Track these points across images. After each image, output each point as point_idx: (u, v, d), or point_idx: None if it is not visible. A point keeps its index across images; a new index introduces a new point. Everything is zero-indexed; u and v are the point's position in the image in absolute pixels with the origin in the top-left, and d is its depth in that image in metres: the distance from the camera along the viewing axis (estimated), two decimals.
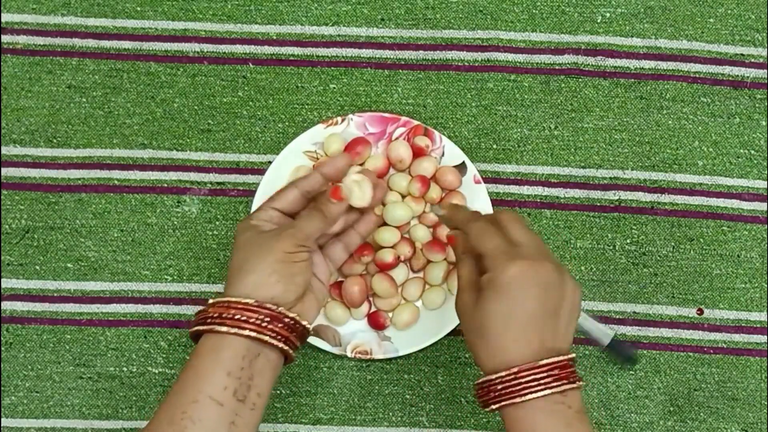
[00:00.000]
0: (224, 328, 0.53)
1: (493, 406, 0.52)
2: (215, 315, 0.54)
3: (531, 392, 0.51)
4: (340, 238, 0.64)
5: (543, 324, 0.52)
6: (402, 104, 0.76)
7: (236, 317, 0.53)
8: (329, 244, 0.64)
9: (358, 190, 0.60)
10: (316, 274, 0.61)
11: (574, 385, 0.52)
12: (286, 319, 0.55)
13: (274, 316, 0.54)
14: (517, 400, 0.51)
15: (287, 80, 0.76)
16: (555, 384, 0.51)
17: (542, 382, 0.51)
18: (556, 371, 0.51)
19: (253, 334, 0.53)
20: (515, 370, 0.51)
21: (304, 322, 0.56)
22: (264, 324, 0.53)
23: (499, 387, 0.52)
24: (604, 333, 0.68)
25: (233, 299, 0.54)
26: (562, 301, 0.53)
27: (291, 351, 0.55)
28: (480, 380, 0.53)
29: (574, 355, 0.53)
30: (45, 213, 0.74)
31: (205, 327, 0.54)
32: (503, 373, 0.51)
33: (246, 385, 0.53)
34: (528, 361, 0.51)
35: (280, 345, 0.54)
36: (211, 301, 0.55)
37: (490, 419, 0.72)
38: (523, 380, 0.51)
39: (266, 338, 0.53)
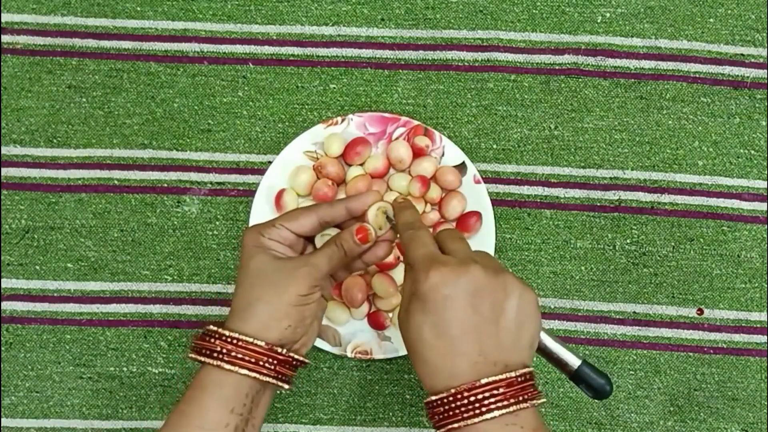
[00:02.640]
0: (233, 368, 0.52)
1: (441, 430, 0.47)
2: (222, 350, 0.52)
3: (472, 416, 0.46)
4: None
5: (480, 334, 0.47)
6: (402, 104, 0.76)
7: (245, 358, 0.52)
8: None
9: (383, 222, 0.57)
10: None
11: (525, 405, 0.46)
12: (294, 362, 0.54)
13: (282, 360, 0.53)
14: (460, 424, 0.46)
15: (287, 80, 0.76)
16: (500, 405, 0.46)
17: (485, 403, 0.46)
18: (500, 390, 0.46)
19: (262, 377, 0.52)
20: (453, 391, 0.46)
21: (305, 359, 0.55)
22: (273, 367, 0.53)
23: (441, 410, 0.47)
24: (572, 356, 0.54)
25: (242, 338, 0.52)
26: (503, 305, 0.48)
27: (287, 385, 0.55)
28: (426, 400, 0.49)
29: (527, 369, 0.48)
30: (45, 213, 0.74)
31: (212, 361, 0.52)
32: (443, 395, 0.47)
33: (245, 419, 0.52)
34: (469, 380, 0.47)
35: (283, 385, 0.54)
36: (213, 327, 0.53)
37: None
38: (463, 401, 0.46)
39: (272, 381, 0.53)
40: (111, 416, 0.72)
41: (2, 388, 0.72)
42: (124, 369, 0.73)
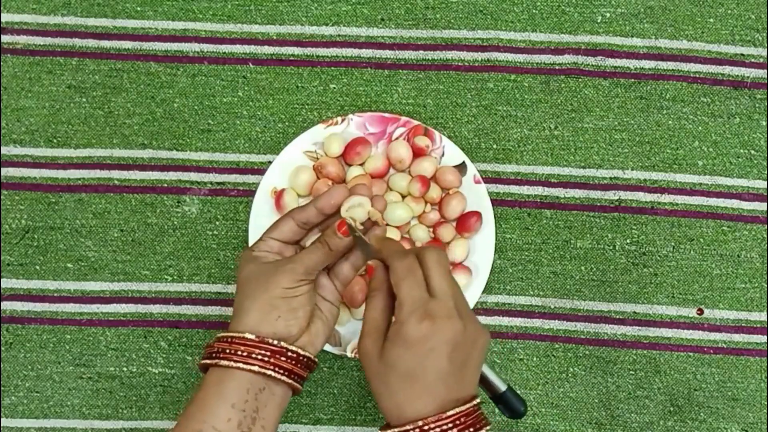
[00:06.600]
0: (228, 363, 0.54)
1: None
2: (219, 350, 0.54)
3: None
4: (346, 257, 0.61)
5: (450, 378, 0.52)
6: (402, 104, 0.76)
7: (238, 352, 0.54)
8: (335, 263, 0.61)
9: (360, 215, 0.58)
10: (324, 296, 0.60)
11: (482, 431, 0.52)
12: (290, 353, 0.55)
13: (276, 351, 0.54)
14: None
15: (287, 80, 0.76)
16: None
17: None
18: (461, 419, 0.51)
19: (256, 368, 0.54)
20: (420, 423, 0.51)
21: (308, 354, 0.56)
22: (266, 359, 0.54)
23: None
24: (500, 381, 0.61)
25: (236, 335, 0.54)
26: (471, 355, 0.53)
27: (296, 384, 0.56)
28: (385, 430, 0.53)
29: (479, 399, 0.53)
30: (45, 213, 0.74)
31: (210, 361, 0.55)
32: (408, 427, 0.51)
33: (251, 417, 0.54)
34: (433, 413, 0.51)
35: (285, 379, 0.55)
36: (218, 335, 0.56)
37: (490, 419, 0.72)
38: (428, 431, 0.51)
39: (270, 373, 0.54)
40: (111, 416, 0.72)
41: (2, 388, 0.72)
42: (124, 369, 0.73)
